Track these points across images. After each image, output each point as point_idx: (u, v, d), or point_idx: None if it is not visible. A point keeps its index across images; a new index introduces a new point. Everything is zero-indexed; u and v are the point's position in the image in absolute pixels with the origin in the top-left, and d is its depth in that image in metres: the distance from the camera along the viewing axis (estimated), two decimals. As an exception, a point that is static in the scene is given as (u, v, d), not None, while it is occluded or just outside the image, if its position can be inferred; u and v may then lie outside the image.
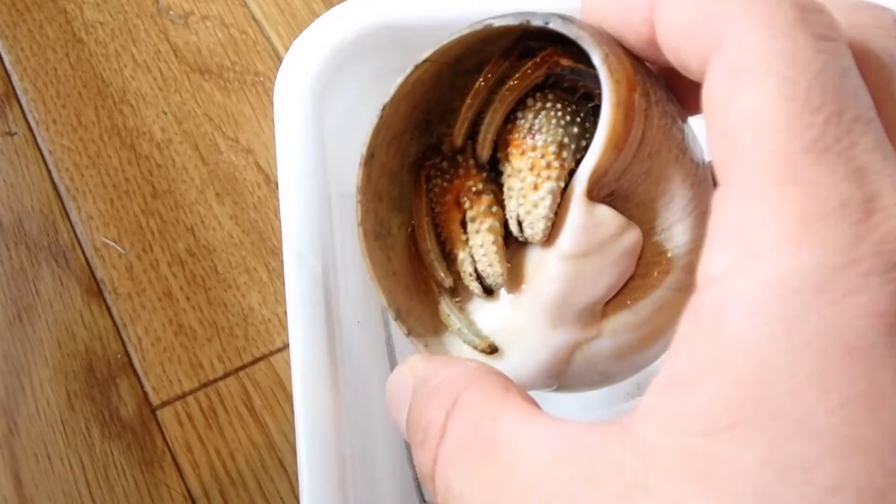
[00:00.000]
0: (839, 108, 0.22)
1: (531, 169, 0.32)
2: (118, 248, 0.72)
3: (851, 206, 0.21)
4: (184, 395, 0.67)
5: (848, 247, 0.21)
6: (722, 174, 0.23)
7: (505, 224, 0.34)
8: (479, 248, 0.33)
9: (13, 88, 0.80)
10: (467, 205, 0.34)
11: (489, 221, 0.34)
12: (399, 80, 0.33)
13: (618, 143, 0.30)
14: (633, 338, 0.33)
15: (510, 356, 0.33)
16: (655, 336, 0.33)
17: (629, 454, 0.22)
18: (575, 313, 0.32)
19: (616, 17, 0.29)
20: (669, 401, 0.22)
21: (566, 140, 0.32)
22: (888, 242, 0.21)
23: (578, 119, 0.33)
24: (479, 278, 0.34)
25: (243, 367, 0.68)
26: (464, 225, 0.34)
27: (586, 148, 0.31)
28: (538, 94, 0.33)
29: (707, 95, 0.24)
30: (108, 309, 0.70)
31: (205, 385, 0.67)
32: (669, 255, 0.32)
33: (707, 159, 0.33)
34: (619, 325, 0.32)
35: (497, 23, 0.31)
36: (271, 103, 0.47)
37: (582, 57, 0.31)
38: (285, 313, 0.42)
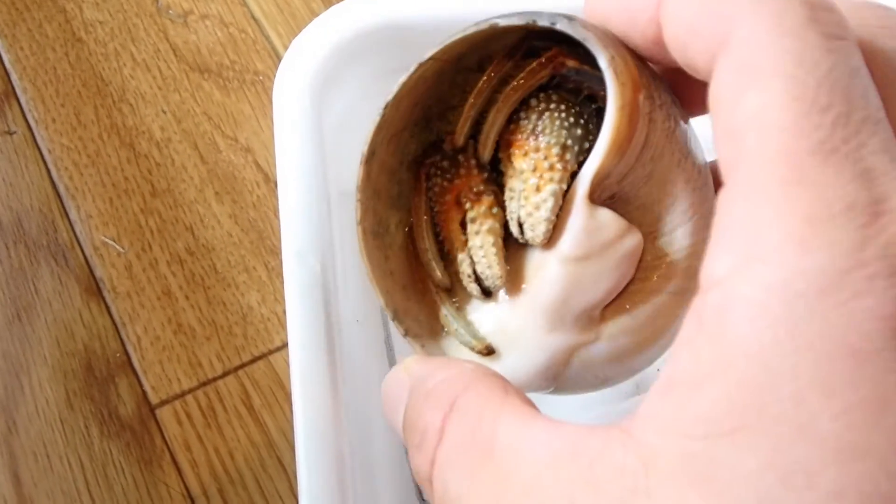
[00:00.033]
0: (847, 109, 0.21)
1: (534, 170, 0.32)
2: (117, 246, 0.73)
3: (858, 209, 0.21)
4: (183, 394, 0.67)
5: (854, 250, 0.20)
6: (727, 174, 0.23)
7: (505, 225, 0.33)
8: (479, 250, 0.33)
9: (12, 87, 0.80)
10: (468, 205, 0.34)
11: (489, 223, 0.33)
12: (402, 78, 0.33)
13: (621, 146, 0.29)
14: (630, 341, 0.33)
15: (507, 358, 0.33)
16: (653, 339, 0.33)
17: (630, 457, 0.22)
18: (574, 316, 0.32)
19: (622, 16, 0.29)
20: (671, 404, 0.22)
21: (569, 142, 0.32)
22: (895, 246, 0.20)
23: (582, 121, 0.33)
24: (478, 280, 0.33)
25: (242, 366, 0.68)
26: (463, 225, 0.34)
27: (589, 150, 0.31)
28: (542, 95, 0.33)
29: (713, 94, 0.24)
30: (108, 308, 0.70)
31: (204, 384, 0.67)
32: (669, 259, 0.32)
33: (710, 160, 0.33)
34: (618, 328, 0.32)
35: (503, 22, 0.31)
36: (270, 102, 0.47)
37: (587, 58, 0.31)
38: (284, 312, 0.42)
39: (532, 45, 0.33)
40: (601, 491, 0.22)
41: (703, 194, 0.32)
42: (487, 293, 0.33)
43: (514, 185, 0.33)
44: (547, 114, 0.33)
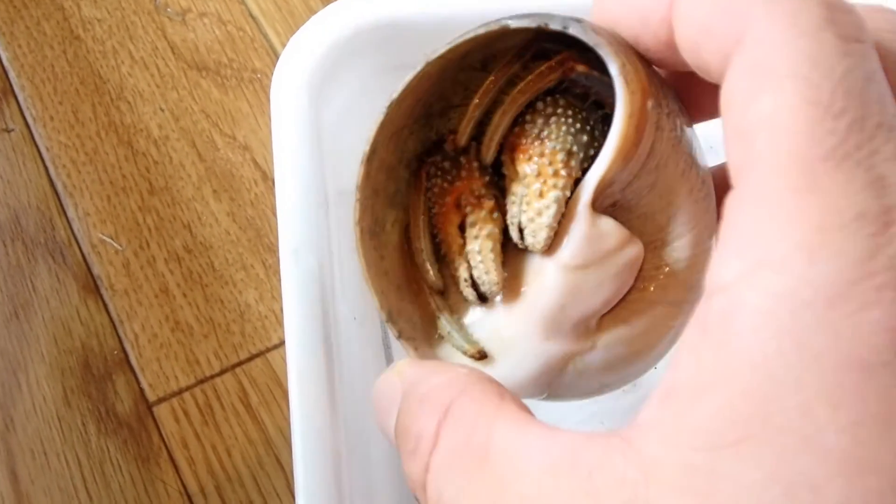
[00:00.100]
0: (862, 114, 0.21)
1: (537, 175, 0.31)
2: (115, 244, 0.73)
3: (868, 218, 0.20)
4: (180, 392, 0.67)
5: (863, 260, 0.20)
6: (737, 177, 0.22)
7: (504, 230, 0.33)
8: (477, 255, 0.33)
9: (10, 85, 0.80)
10: (468, 209, 0.33)
11: (489, 227, 0.33)
12: (408, 76, 0.32)
13: (627, 154, 0.29)
14: (626, 351, 0.32)
15: (501, 364, 0.33)
16: (648, 349, 0.33)
17: (630, 468, 0.22)
18: (571, 325, 0.31)
19: (632, 18, 0.28)
20: (672, 412, 0.22)
21: (575, 148, 0.32)
22: None
23: (588, 127, 0.32)
24: (475, 285, 0.33)
25: (240, 364, 0.68)
26: (461, 228, 0.34)
27: (594, 157, 0.31)
28: (549, 99, 0.33)
29: (725, 95, 0.23)
30: (105, 305, 0.70)
31: (201, 381, 0.67)
32: (668, 269, 0.32)
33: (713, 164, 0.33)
34: (614, 338, 0.32)
35: (513, 24, 0.31)
36: (268, 100, 0.47)
37: (597, 63, 0.30)
38: (282, 310, 0.42)
39: (541, 47, 0.33)
40: (600, 502, 0.22)
41: (705, 205, 0.31)
42: (483, 298, 0.33)
43: (516, 189, 0.32)
44: (553, 118, 0.32)
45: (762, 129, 0.22)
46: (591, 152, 0.32)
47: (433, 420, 0.26)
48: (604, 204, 0.31)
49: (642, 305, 0.32)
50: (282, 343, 0.68)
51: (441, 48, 0.32)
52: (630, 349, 0.32)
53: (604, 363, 0.32)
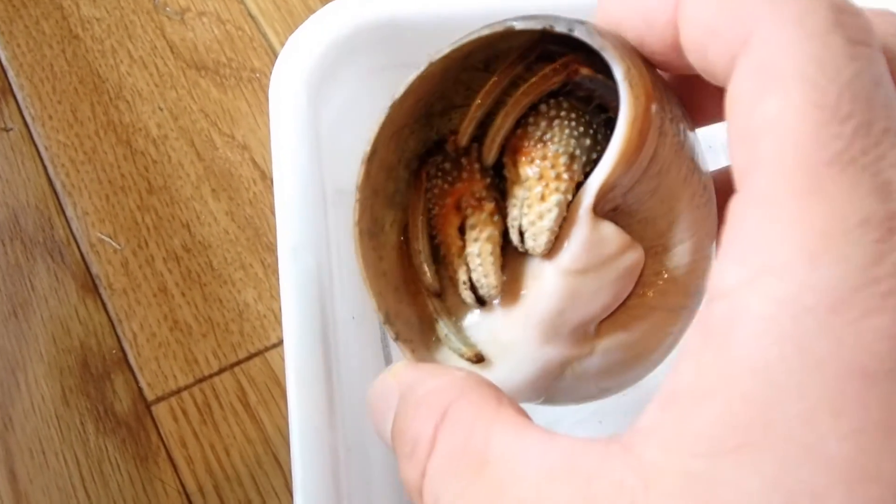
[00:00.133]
0: (869, 119, 0.21)
1: (539, 178, 0.31)
2: (114, 243, 0.73)
3: (873, 223, 0.20)
4: (179, 391, 0.67)
5: (867, 266, 0.20)
6: (740, 180, 0.22)
7: (504, 232, 0.33)
8: (476, 258, 0.32)
9: (9, 84, 0.80)
10: (468, 211, 0.33)
11: (489, 230, 0.33)
12: (411, 76, 0.32)
13: (630, 159, 0.29)
14: (624, 357, 0.32)
15: (498, 368, 0.32)
16: (646, 355, 0.32)
17: (629, 475, 0.21)
18: (569, 330, 0.31)
19: (637, 20, 0.28)
20: (672, 418, 0.21)
21: (577, 152, 0.31)
22: None
23: (591, 131, 0.32)
24: (473, 288, 0.33)
25: (238, 363, 0.68)
26: (461, 230, 0.33)
27: (596, 161, 0.30)
28: (552, 101, 0.32)
29: (730, 97, 0.23)
30: (104, 304, 0.70)
31: (200, 381, 0.67)
32: (668, 275, 0.31)
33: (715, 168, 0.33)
34: (613, 343, 0.32)
35: (519, 25, 0.30)
36: (267, 99, 0.47)
37: (601, 66, 0.30)
38: (280, 309, 0.42)
39: (545, 49, 0.33)
40: None
41: (706, 211, 0.31)
42: (482, 302, 0.33)
43: (517, 192, 0.32)
44: (557, 121, 0.32)
45: (767, 131, 0.21)
46: (594, 156, 0.31)
47: (430, 424, 0.26)
48: (605, 208, 0.31)
49: (641, 311, 0.32)
50: (280, 342, 0.68)
51: (445, 48, 0.32)
52: (628, 355, 0.32)
53: (602, 368, 0.32)
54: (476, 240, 0.33)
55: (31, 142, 0.77)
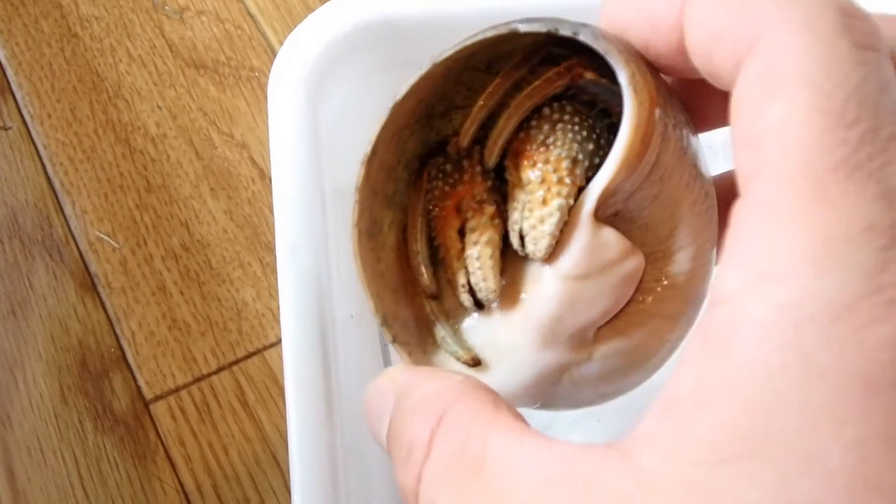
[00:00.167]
0: (875, 125, 0.20)
1: (541, 182, 0.31)
2: (112, 242, 0.72)
3: (878, 230, 0.20)
4: (177, 390, 0.67)
5: (872, 273, 0.19)
6: (744, 185, 0.22)
7: (504, 236, 0.33)
8: (475, 261, 0.32)
9: (8, 83, 0.80)
10: (469, 214, 0.33)
11: (489, 234, 0.32)
12: (414, 77, 0.32)
13: (632, 165, 0.29)
14: (622, 363, 0.32)
15: (496, 372, 0.32)
16: (644, 361, 0.32)
17: (627, 482, 0.21)
18: (567, 335, 0.31)
19: (642, 23, 0.27)
20: (672, 425, 0.21)
21: (580, 156, 0.31)
22: None
23: (594, 135, 0.32)
24: (472, 291, 0.32)
25: (237, 362, 0.68)
26: (461, 233, 0.33)
27: (598, 166, 0.30)
28: (556, 105, 0.32)
29: (735, 101, 0.23)
30: (102, 303, 0.70)
31: (198, 379, 0.67)
32: (667, 282, 0.31)
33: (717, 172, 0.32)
34: (611, 349, 0.32)
35: (524, 28, 0.30)
36: (266, 98, 0.47)
37: (605, 70, 0.30)
38: (279, 308, 0.42)
39: (549, 52, 0.33)
40: None
41: (707, 218, 0.31)
42: (480, 305, 0.33)
43: (518, 195, 0.32)
44: (560, 125, 0.32)
45: (772, 136, 0.21)
46: (596, 161, 0.31)
47: (426, 428, 0.26)
48: (606, 213, 0.30)
49: (640, 317, 0.31)
50: (279, 341, 0.68)
51: (448, 50, 0.31)
52: (626, 361, 0.32)
53: (599, 375, 0.32)
54: (476, 243, 0.32)
55: (30, 140, 0.77)
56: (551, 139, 0.32)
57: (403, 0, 0.49)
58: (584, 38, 0.29)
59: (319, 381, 0.40)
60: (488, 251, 0.32)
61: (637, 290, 0.31)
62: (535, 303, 0.31)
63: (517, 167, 0.32)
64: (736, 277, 0.21)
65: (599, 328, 0.32)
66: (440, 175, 0.34)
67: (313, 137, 0.46)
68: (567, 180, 0.31)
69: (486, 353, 0.33)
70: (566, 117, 0.32)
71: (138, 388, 0.67)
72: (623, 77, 0.28)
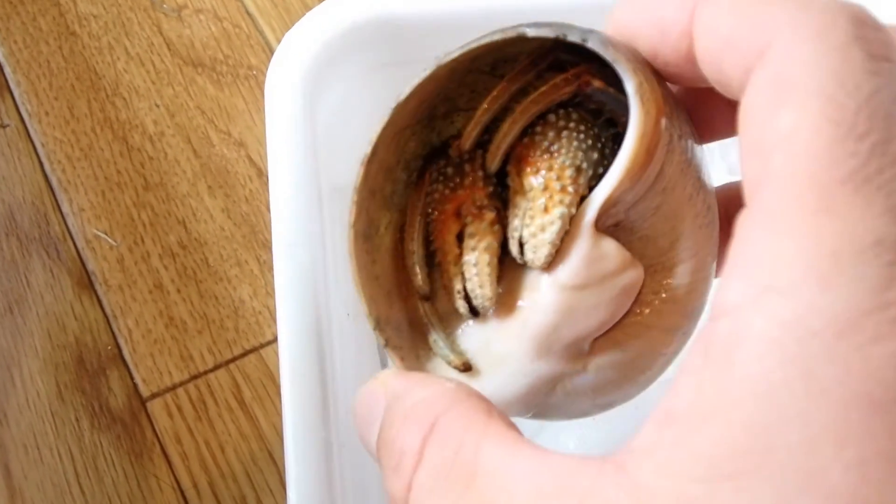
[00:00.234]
0: (886, 137, 0.20)
1: (544, 189, 0.30)
2: (109, 240, 0.73)
3: (886, 245, 0.19)
4: (174, 387, 0.67)
5: (878, 289, 0.19)
6: (750, 194, 0.21)
7: (503, 243, 0.32)
8: (472, 267, 0.32)
9: (6, 80, 0.80)
10: (468, 219, 0.32)
11: (487, 240, 0.32)
12: (417, 78, 0.31)
13: (636, 175, 0.28)
14: (616, 375, 0.32)
15: (488, 380, 0.32)
16: (639, 374, 0.32)
17: (622, 497, 0.21)
18: (563, 345, 0.31)
19: (651, 30, 0.27)
20: (669, 439, 0.21)
21: (584, 165, 0.31)
22: None
23: (599, 145, 0.31)
24: (468, 298, 0.32)
25: (233, 360, 0.68)
26: (459, 238, 0.33)
27: (601, 175, 0.30)
28: (562, 112, 0.31)
29: (744, 109, 0.22)
30: (99, 301, 0.70)
31: (195, 377, 0.67)
32: (665, 295, 0.31)
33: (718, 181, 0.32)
34: (606, 361, 0.31)
35: (531, 32, 0.30)
36: (264, 96, 0.47)
37: (612, 78, 0.29)
38: (276, 306, 0.42)
39: (558, 58, 0.32)
40: None
41: (709, 231, 0.31)
42: (475, 312, 0.32)
43: (519, 202, 0.31)
44: (565, 132, 0.31)
45: (780, 146, 0.21)
46: (600, 171, 0.31)
47: (418, 436, 0.25)
48: (606, 223, 0.30)
49: (637, 329, 0.31)
50: (275, 339, 0.68)
51: (454, 52, 0.31)
52: (621, 374, 0.32)
53: (593, 386, 0.32)
54: (474, 249, 0.32)
55: (28, 138, 0.77)
56: (556, 146, 0.31)
57: (401, -1, 0.49)
58: (592, 45, 0.29)
59: (315, 379, 0.40)
60: (486, 258, 0.32)
61: (635, 302, 0.31)
62: (532, 312, 0.31)
63: (519, 173, 0.32)
64: (739, 289, 0.21)
65: (595, 339, 0.31)
66: (441, 178, 0.34)
67: (310, 135, 0.46)
68: (570, 189, 0.30)
69: (480, 359, 0.32)
70: (572, 125, 0.31)
71: (135, 385, 0.67)
72: (630, 86, 0.28)
